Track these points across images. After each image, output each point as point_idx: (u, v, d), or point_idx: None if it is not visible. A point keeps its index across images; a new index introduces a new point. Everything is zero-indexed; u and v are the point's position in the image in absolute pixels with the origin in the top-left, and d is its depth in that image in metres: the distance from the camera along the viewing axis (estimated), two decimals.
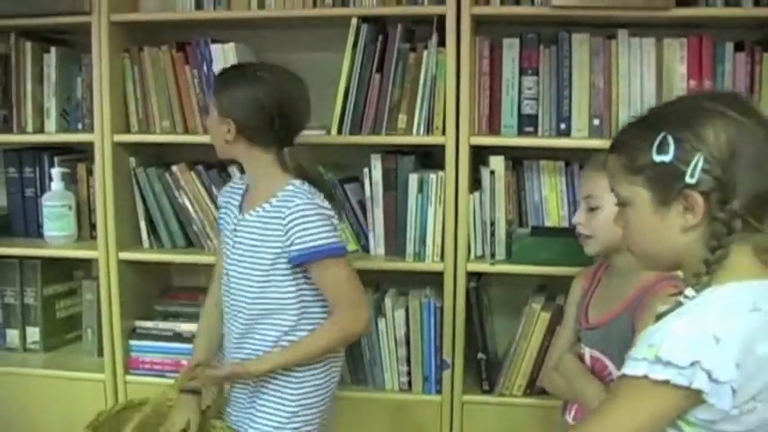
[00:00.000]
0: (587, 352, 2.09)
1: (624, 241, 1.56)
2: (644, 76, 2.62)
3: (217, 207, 2.50)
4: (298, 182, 2.21)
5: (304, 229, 2.14)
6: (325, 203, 2.22)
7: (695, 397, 1.31)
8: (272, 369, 2.23)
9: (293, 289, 2.22)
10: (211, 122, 2.26)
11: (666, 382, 1.30)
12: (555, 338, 2.41)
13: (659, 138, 1.41)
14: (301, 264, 2.17)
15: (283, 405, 2.25)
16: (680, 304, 1.39)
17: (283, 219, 2.15)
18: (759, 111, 1.43)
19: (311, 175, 2.27)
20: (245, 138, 2.20)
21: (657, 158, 1.41)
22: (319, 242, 2.15)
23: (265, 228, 2.20)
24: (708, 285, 1.39)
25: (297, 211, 2.15)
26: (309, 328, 2.23)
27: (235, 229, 2.28)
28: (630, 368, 1.35)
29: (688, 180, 1.38)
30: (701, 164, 1.37)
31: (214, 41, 2.77)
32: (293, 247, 2.15)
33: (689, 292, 1.39)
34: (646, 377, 1.32)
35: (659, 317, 1.41)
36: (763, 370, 1.34)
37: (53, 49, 2.97)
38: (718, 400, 1.30)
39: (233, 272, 2.27)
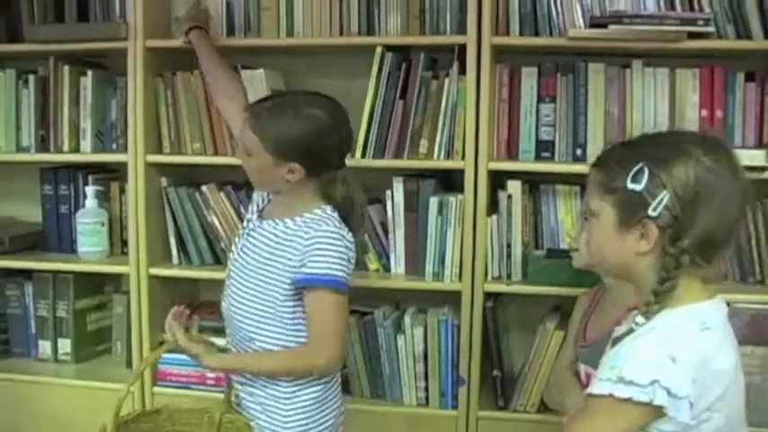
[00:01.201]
0: (582, 368, 2.17)
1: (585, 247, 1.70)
2: (657, 104, 2.70)
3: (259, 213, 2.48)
4: (328, 208, 2.22)
5: (321, 255, 2.12)
6: (349, 236, 2.21)
7: (657, 411, 1.44)
8: (227, 369, 2.29)
9: (290, 306, 2.20)
10: (261, 161, 2.19)
11: (629, 400, 1.44)
12: (558, 356, 2.50)
13: (637, 167, 1.54)
14: (303, 287, 2.15)
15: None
16: (632, 330, 1.53)
17: (306, 239, 2.14)
18: (736, 164, 1.57)
19: (343, 205, 2.24)
20: (288, 164, 2.17)
21: (630, 185, 1.55)
22: (329, 271, 2.12)
23: (281, 241, 2.19)
24: (657, 312, 1.53)
25: (323, 236, 2.14)
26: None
27: (249, 234, 2.29)
28: (596, 388, 1.49)
29: (650, 212, 1.52)
30: (665, 200, 1.51)
31: (244, 67, 2.86)
32: (303, 269, 2.14)
33: (639, 319, 1.53)
34: (611, 395, 1.46)
35: (615, 340, 1.57)
36: (717, 383, 1.49)
37: (90, 73, 3.07)
38: (678, 414, 1.44)
39: (235, 275, 2.28)
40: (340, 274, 2.15)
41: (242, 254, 2.28)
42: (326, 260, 2.13)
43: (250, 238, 2.29)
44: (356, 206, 2.29)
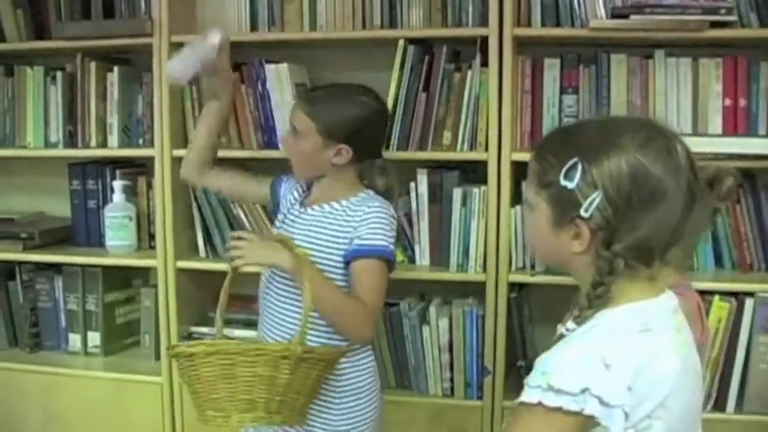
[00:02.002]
0: None
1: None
2: (680, 94, 2.71)
3: (273, 211, 2.55)
4: (371, 192, 2.34)
5: (374, 227, 2.23)
6: (394, 212, 2.33)
7: (589, 421, 1.33)
8: (308, 281, 2.08)
9: (343, 287, 2.26)
10: (311, 144, 2.28)
11: (559, 409, 1.32)
12: None
13: (570, 162, 1.41)
14: (354, 258, 2.21)
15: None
16: (562, 336, 1.43)
17: (360, 216, 2.24)
18: (678, 158, 1.41)
19: (383, 194, 2.36)
20: (359, 161, 2.31)
21: (563, 182, 1.42)
22: (382, 242, 2.23)
23: (330, 223, 2.26)
24: (589, 318, 1.42)
25: (376, 210, 2.25)
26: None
27: (293, 222, 2.34)
28: (526, 396, 1.37)
29: (582, 212, 1.40)
30: (596, 201, 1.39)
31: (268, 61, 2.89)
32: (356, 241, 2.22)
33: (570, 325, 1.43)
34: (540, 404, 1.33)
35: (554, 341, 1.45)
36: (657, 388, 1.38)
37: (116, 69, 3.12)
38: (611, 423, 1.33)
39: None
40: (390, 246, 2.26)
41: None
42: (379, 232, 2.24)
43: (295, 227, 2.33)
44: (395, 195, 2.40)
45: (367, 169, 2.37)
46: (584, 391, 1.31)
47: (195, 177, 2.65)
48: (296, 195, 2.44)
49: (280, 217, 2.44)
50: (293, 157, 2.36)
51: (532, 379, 1.38)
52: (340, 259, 2.25)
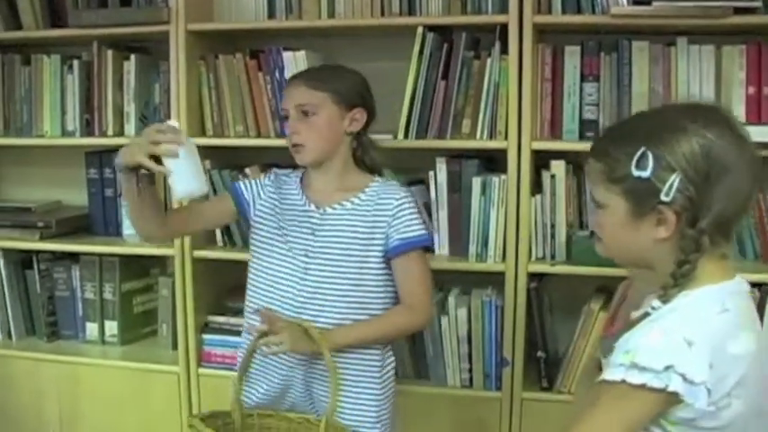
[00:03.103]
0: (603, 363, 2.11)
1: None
2: (703, 82, 2.68)
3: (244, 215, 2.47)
4: (380, 178, 2.35)
5: (410, 219, 2.26)
6: None
7: (672, 398, 1.39)
8: (357, 342, 2.25)
9: (385, 280, 2.29)
10: (328, 115, 2.27)
11: (643, 386, 1.38)
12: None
13: (639, 152, 1.46)
14: (400, 253, 2.25)
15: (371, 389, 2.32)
16: (647, 314, 1.47)
17: (392, 209, 2.25)
18: (739, 129, 1.49)
19: (375, 166, 2.39)
20: (368, 124, 2.35)
21: (636, 173, 1.46)
22: (421, 232, 2.28)
23: (361, 220, 2.26)
24: (675, 296, 1.47)
25: (405, 200, 2.27)
26: None
27: (320, 226, 2.28)
28: (609, 374, 1.42)
29: (663, 198, 1.45)
30: (676, 183, 1.43)
31: (286, 49, 2.88)
32: (396, 236, 2.25)
33: (655, 303, 1.47)
34: (623, 381, 1.40)
35: (632, 324, 1.49)
36: (735, 367, 1.43)
37: (133, 57, 3.12)
38: (695, 400, 1.38)
39: (314, 267, 2.26)
40: (427, 231, 2.32)
41: (317, 244, 2.27)
42: (414, 221, 2.28)
43: (324, 232, 2.28)
44: (381, 169, 2.42)
45: (367, 146, 2.39)
46: (667, 368, 1.37)
47: (158, 237, 2.58)
48: (292, 196, 2.37)
49: (305, 220, 2.33)
50: (309, 139, 2.26)
51: (615, 358, 1.44)
52: (379, 255, 2.26)
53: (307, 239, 2.28)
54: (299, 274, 2.27)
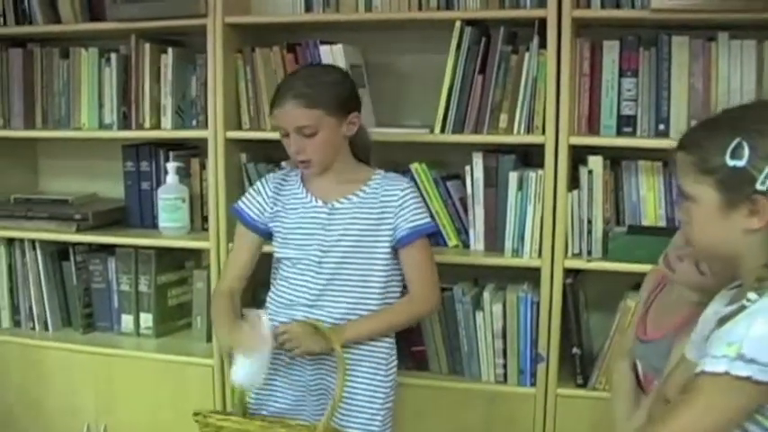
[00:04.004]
0: (639, 366, 2.06)
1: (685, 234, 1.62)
2: (744, 78, 2.64)
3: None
4: (380, 170, 2.45)
5: (415, 209, 2.37)
6: None
7: None
8: (367, 335, 2.38)
9: (394, 270, 2.40)
10: (329, 129, 2.33)
11: (748, 379, 1.37)
12: (622, 335, 2.44)
13: (734, 142, 1.46)
14: (405, 244, 2.35)
15: (380, 386, 2.41)
16: (744, 307, 1.45)
17: (398, 200, 2.36)
18: None
19: (365, 151, 2.50)
20: (345, 122, 2.38)
21: (731, 162, 1.47)
22: (426, 220, 2.40)
23: (368, 212, 2.34)
24: None
25: (409, 191, 2.38)
26: None
27: (328, 222, 2.38)
28: (711, 365, 1.41)
29: (758, 186, 1.45)
30: None
31: (323, 42, 2.89)
32: (403, 225, 2.35)
33: (751, 295, 1.44)
34: (727, 374, 1.38)
35: (722, 320, 1.48)
36: None
37: (170, 50, 3.12)
38: None
39: (328, 260, 2.37)
40: (431, 220, 2.45)
41: (329, 238, 2.37)
42: (419, 211, 2.39)
43: (334, 227, 2.37)
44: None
45: (361, 141, 2.48)
46: None
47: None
48: (296, 194, 2.46)
49: (316, 216, 2.42)
50: (315, 153, 2.35)
51: (716, 350, 1.41)
52: (387, 245, 2.36)
53: (318, 234, 2.38)
54: (314, 268, 2.38)
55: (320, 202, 2.41)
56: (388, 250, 2.37)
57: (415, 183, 2.84)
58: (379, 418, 2.40)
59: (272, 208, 2.48)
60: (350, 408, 2.38)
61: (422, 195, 2.79)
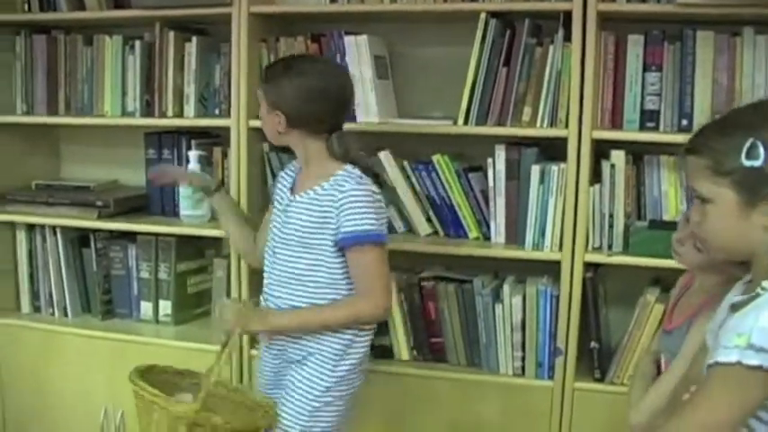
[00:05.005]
0: (663, 359, 2.10)
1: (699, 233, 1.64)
2: None
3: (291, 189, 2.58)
4: (349, 167, 2.38)
5: (353, 213, 2.29)
6: (375, 188, 2.37)
7: None
8: (292, 326, 2.41)
9: (341, 268, 2.38)
10: (262, 114, 2.45)
11: (760, 368, 1.40)
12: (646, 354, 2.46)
13: (748, 143, 1.49)
14: (344, 247, 2.33)
15: (320, 378, 2.40)
16: (758, 295, 1.48)
17: (336, 202, 2.31)
18: None
19: (359, 160, 2.41)
20: (295, 127, 2.38)
21: (747, 163, 1.49)
22: (365, 227, 2.30)
23: (318, 209, 2.34)
24: None
25: (348, 195, 2.30)
26: None
27: (285, 210, 2.43)
28: (723, 356, 1.44)
29: None
30: None
31: (347, 33, 2.91)
32: (341, 230, 2.31)
33: (766, 283, 1.47)
34: (739, 363, 1.41)
35: (735, 307, 1.51)
36: None
37: (194, 39, 3.15)
38: None
39: (280, 250, 2.43)
40: (374, 227, 2.32)
41: (284, 229, 2.42)
42: (358, 217, 2.30)
43: (289, 214, 2.42)
44: (364, 160, 2.45)
45: (333, 143, 2.41)
46: None
47: (258, 260, 2.68)
48: (287, 185, 2.53)
49: (275, 202, 2.55)
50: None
51: (728, 340, 1.45)
52: (331, 244, 2.35)
53: (278, 225, 2.46)
54: (271, 258, 2.48)
55: (290, 193, 2.46)
56: (334, 249, 2.36)
57: (437, 174, 2.88)
58: (307, 410, 2.39)
59: (273, 196, 2.58)
60: (287, 397, 2.43)
61: (440, 188, 2.88)
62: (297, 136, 2.40)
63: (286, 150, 2.99)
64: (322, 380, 2.39)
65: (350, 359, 2.42)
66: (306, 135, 2.39)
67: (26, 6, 3.31)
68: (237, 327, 2.42)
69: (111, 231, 3.33)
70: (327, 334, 2.39)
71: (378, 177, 2.47)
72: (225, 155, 3.17)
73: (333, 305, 2.38)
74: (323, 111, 2.37)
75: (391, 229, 2.99)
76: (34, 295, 3.48)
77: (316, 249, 2.36)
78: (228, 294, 3.13)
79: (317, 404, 2.38)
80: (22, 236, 3.45)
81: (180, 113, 3.17)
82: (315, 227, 2.35)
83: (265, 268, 2.53)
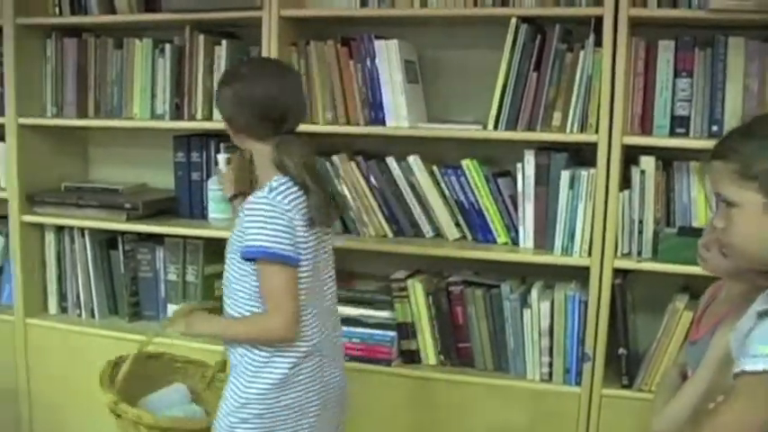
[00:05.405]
0: (689, 371, 2.04)
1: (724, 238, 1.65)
2: None
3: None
4: (282, 178, 2.26)
5: (252, 228, 2.21)
6: (284, 203, 2.21)
7: None
8: (206, 333, 2.50)
9: (255, 278, 2.27)
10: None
11: None
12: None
13: None
14: (247, 260, 2.24)
15: (236, 393, 2.31)
16: None
17: (244, 213, 2.25)
18: None
19: (289, 170, 2.26)
20: (237, 132, 2.34)
21: None
22: (261, 243, 2.19)
23: (241, 220, 2.27)
24: None
25: (252, 208, 2.22)
26: None
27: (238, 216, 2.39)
28: (750, 364, 1.44)
29: None
30: None
31: (378, 37, 2.93)
32: (241, 242, 2.24)
33: None
34: (766, 372, 1.41)
35: (762, 315, 1.51)
36: None
37: (224, 42, 3.17)
38: None
39: (228, 257, 2.36)
40: (266, 243, 2.19)
41: (231, 237, 2.36)
42: (254, 231, 2.21)
43: (237, 221, 2.37)
44: (309, 170, 2.29)
45: (275, 149, 2.30)
46: None
47: None
48: None
49: None
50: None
51: (755, 349, 1.45)
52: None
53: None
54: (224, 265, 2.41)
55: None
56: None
57: (466, 179, 2.90)
58: (226, 423, 2.30)
59: None
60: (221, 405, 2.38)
61: (469, 192, 2.90)
62: (245, 141, 2.35)
63: (318, 154, 3.02)
64: (237, 394, 2.29)
65: (267, 377, 2.27)
66: (253, 141, 2.33)
67: (57, 9, 3.36)
68: (169, 326, 2.47)
69: (138, 233, 3.37)
70: (244, 347, 2.30)
71: (306, 189, 2.27)
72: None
73: (242, 319, 2.31)
74: (252, 116, 2.28)
75: (419, 233, 3.02)
76: (62, 296, 3.53)
77: (239, 260, 2.28)
78: None
79: (233, 419, 2.28)
80: (50, 237, 3.49)
81: (209, 116, 3.19)
82: (239, 237, 2.27)
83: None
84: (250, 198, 2.26)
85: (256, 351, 2.28)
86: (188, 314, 2.47)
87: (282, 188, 2.23)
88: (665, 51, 2.74)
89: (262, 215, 2.20)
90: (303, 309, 2.27)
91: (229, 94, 2.31)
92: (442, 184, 2.96)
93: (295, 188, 2.25)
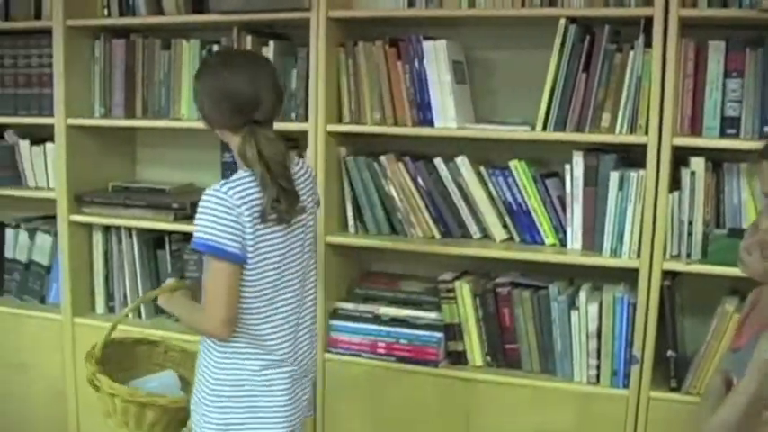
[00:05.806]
0: (735, 379, 2.03)
1: None
2: None
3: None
4: (243, 172, 2.25)
5: (198, 221, 2.19)
6: (234, 198, 2.18)
7: None
8: (171, 310, 2.55)
9: None
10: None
11: None
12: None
13: None
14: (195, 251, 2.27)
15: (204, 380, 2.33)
16: None
17: None
18: None
19: (247, 161, 2.24)
20: (213, 125, 2.33)
21: None
22: (202, 236, 2.17)
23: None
24: None
25: (202, 200, 2.21)
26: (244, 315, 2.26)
27: None
28: None
29: None
30: None
31: (426, 38, 2.95)
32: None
33: None
34: None
35: None
36: None
37: (271, 43, 3.19)
38: None
39: None
40: (208, 236, 2.17)
41: None
42: (199, 224, 2.19)
43: None
44: (272, 164, 2.24)
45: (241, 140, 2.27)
46: None
47: None
48: None
49: None
50: None
51: None
52: None
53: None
54: None
55: None
56: None
57: (514, 180, 2.92)
58: (198, 409, 2.34)
59: None
60: None
61: (517, 193, 2.92)
62: (223, 133, 2.33)
63: (364, 154, 3.06)
64: (202, 386, 2.33)
65: (225, 381, 2.30)
66: (229, 133, 2.30)
67: (106, 11, 3.41)
68: (160, 297, 2.49)
69: (185, 233, 3.39)
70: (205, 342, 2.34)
71: (264, 184, 2.22)
72: (301, 158, 3.20)
73: (194, 308, 2.36)
74: (222, 108, 2.25)
75: (466, 234, 3.04)
76: (109, 296, 3.58)
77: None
78: None
79: (202, 405, 2.32)
80: (98, 237, 3.55)
81: None
82: None
83: None
84: (206, 190, 2.22)
85: (218, 349, 2.30)
86: (173, 290, 2.49)
87: (235, 183, 2.21)
88: (716, 52, 2.73)
89: (210, 209, 2.18)
90: (258, 313, 2.27)
91: (199, 87, 2.31)
92: (490, 185, 2.98)
93: (253, 183, 2.22)
